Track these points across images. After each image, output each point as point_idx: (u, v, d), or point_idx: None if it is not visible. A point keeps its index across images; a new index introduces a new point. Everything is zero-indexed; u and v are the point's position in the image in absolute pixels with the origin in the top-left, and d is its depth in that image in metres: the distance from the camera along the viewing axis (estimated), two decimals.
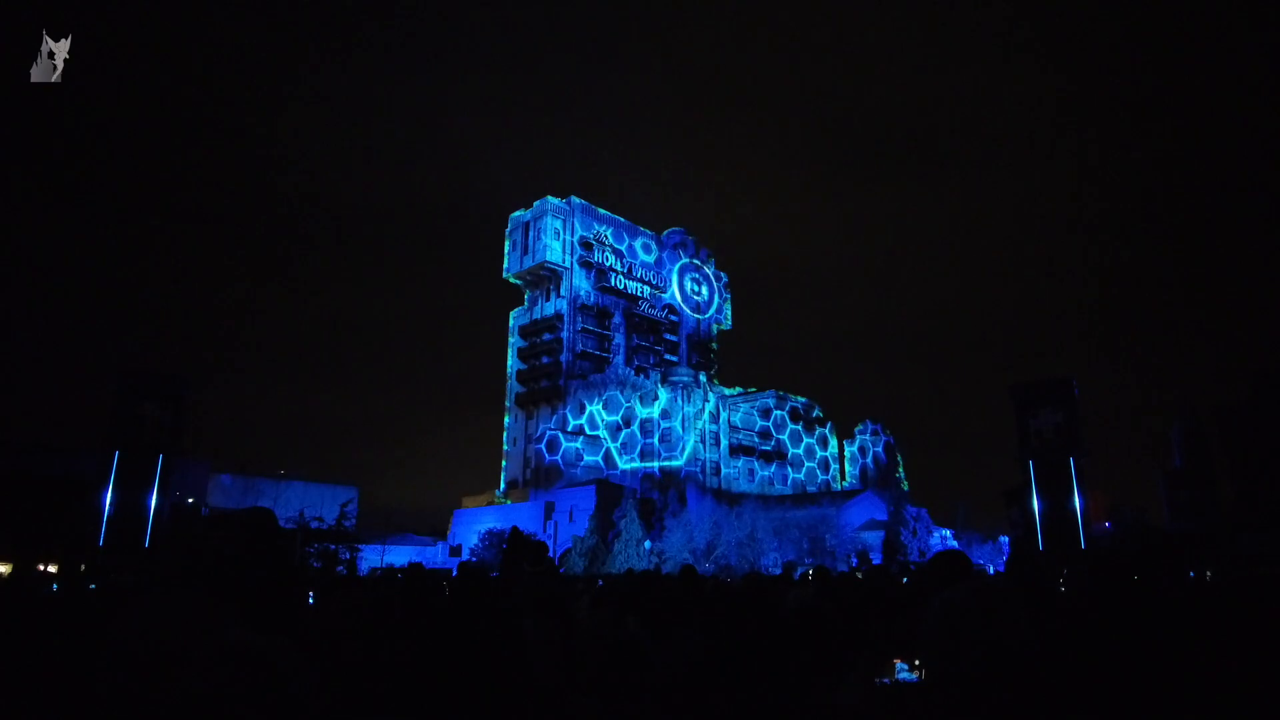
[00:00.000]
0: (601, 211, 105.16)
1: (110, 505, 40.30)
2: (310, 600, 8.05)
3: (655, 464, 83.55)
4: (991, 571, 45.85)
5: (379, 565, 50.77)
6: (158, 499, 41.17)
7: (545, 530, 69.44)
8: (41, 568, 33.62)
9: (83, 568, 31.98)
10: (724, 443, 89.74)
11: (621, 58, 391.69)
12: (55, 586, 11.96)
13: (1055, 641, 3.40)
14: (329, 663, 3.09)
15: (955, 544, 61.24)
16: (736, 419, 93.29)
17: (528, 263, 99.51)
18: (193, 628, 1.44)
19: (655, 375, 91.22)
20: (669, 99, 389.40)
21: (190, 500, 59.99)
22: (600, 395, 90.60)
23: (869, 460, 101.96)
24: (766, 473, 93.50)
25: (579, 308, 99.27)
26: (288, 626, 3.38)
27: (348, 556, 44.24)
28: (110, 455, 41.08)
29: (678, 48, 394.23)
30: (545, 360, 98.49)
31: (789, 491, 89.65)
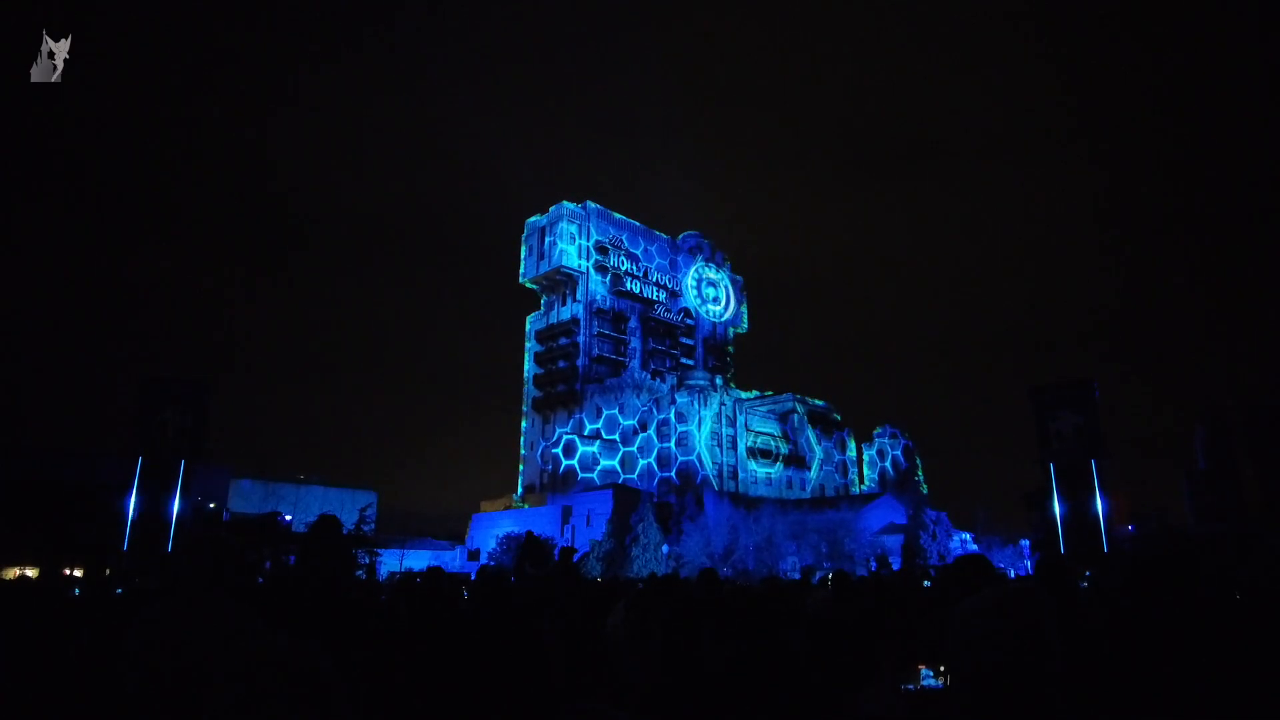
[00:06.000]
0: (617, 216, 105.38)
1: (133, 510, 40.86)
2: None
3: (672, 468, 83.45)
4: (1012, 575, 45.37)
5: (398, 570, 51.00)
6: (180, 504, 41.66)
7: (563, 534, 69.51)
8: (67, 572, 34.07)
9: (107, 572, 32.40)
10: (741, 446, 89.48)
11: (636, 63, 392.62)
12: (78, 590, 12.11)
13: (1085, 646, 3.35)
14: (358, 667, 3.10)
15: (975, 547, 60.66)
16: (753, 422, 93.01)
17: (544, 267, 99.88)
18: (217, 633, 1.44)
19: (671, 379, 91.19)
20: (684, 103, 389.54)
21: (211, 505, 60.60)
22: (616, 399, 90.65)
23: (887, 463, 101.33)
24: (784, 476, 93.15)
25: (595, 312, 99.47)
26: (339, 629, 3.40)
27: (367, 561, 44.44)
28: (133, 461, 41.66)
29: (692, 52, 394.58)
30: (561, 364, 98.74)
31: (807, 495, 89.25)
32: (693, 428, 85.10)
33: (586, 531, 67.76)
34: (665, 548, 58.91)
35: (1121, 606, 3.39)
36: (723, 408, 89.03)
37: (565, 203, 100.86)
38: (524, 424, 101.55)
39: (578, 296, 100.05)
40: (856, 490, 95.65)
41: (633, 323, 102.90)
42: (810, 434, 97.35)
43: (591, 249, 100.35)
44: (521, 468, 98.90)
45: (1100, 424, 46.12)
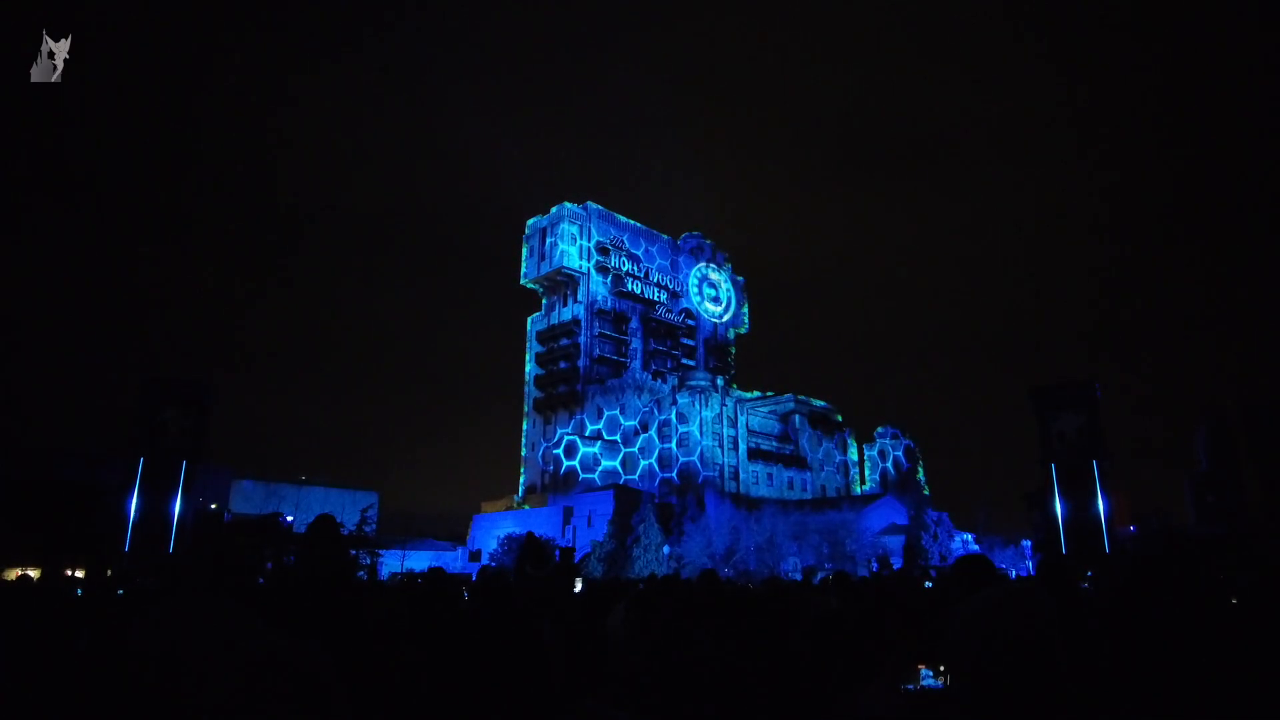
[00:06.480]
0: (618, 217, 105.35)
1: (135, 511, 40.85)
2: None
3: (673, 469, 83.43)
4: (1014, 576, 45.34)
5: (399, 570, 51.06)
6: (181, 505, 41.65)
7: (564, 535, 69.54)
8: (69, 572, 34.12)
9: (108, 572, 32.46)
10: (742, 447, 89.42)
11: (636, 63, 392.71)
12: (79, 591, 12.11)
13: (1086, 647, 3.35)
14: (358, 668, 3.10)
15: (977, 548, 60.62)
16: (755, 423, 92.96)
17: (545, 268, 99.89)
18: (218, 633, 1.44)
19: (672, 380, 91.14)
20: (684, 103, 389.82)
21: (213, 506, 60.67)
22: (618, 400, 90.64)
23: (889, 464, 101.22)
24: (785, 477, 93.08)
25: (596, 313, 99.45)
26: (341, 628, 3.41)
27: (368, 562, 44.48)
28: (135, 462, 41.67)
29: (692, 52, 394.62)
30: (563, 365, 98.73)
31: (808, 496, 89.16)
32: (694, 428, 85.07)
33: (588, 532, 67.74)
34: (666, 548, 58.91)
35: (1122, 606, 3.39)
36: (724, 408, 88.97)
37: (566, 203, 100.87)
38: (525, 425, 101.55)
39: (579, 297, 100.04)
40: (858, 491, 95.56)
41: (634, 323, 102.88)
42: (811, 435, 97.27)
43: (593, 250, 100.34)
44: (523, 468, 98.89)
45: (1102, 425, 46.08)
